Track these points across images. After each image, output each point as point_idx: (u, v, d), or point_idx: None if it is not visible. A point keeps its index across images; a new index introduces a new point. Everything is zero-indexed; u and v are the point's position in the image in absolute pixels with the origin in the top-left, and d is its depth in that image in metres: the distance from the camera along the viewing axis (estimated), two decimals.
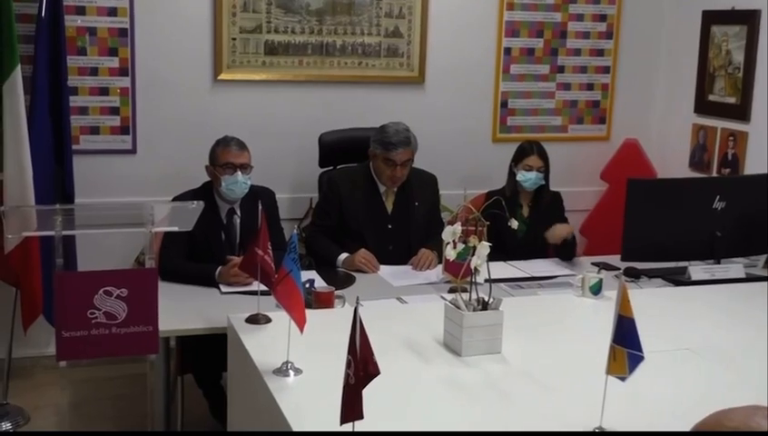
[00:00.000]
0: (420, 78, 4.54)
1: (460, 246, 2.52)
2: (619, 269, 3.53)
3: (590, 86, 4.87)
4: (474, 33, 4.61)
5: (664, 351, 2.44)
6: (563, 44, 4.77)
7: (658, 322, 2.71)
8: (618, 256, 3.56)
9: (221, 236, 3.49)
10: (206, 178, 3.56)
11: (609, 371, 1.88)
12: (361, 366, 1.60)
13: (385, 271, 3.57)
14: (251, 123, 4.24)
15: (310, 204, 4.30)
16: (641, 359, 1.82)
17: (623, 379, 1.86)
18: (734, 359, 2.45)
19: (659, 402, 2.11)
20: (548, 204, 3.97)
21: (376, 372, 1.64)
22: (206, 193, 3.47)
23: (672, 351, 2.47)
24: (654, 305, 2.91)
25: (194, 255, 3.42)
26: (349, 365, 1.63)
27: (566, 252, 3.78)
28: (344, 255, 3.62)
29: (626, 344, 1.83)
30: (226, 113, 4.25)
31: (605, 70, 4.87)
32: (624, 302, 1.82)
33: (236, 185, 3.45)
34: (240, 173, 3.44)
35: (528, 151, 3.91)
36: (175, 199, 3.40)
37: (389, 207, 3.80)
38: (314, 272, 3.46)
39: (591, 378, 2.00)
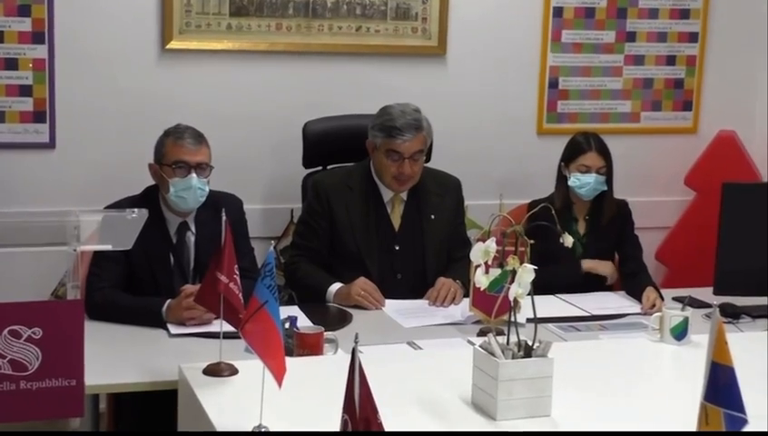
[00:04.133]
0: (441, 49, 4.56)
1: (495, 271, 2.51)
2: (711, 305, 3.51)
3: (671, 60, 4.89)
4: None
5: None
6: (634, 3, 4.79)
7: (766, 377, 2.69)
8: (710, 289, 3.57)
9: (170, 259, 3.51)
10: (150, 181, 3.58)
11: None
12: (362, 425, 1.60)
13: (391, 307, 3.58)
14: (211, 108, 4.26)
15: (290, 218, 4.31)
16: (743, 422, 1.81)
17: None
18: None
19: None
20: (612, 217, 3.97)
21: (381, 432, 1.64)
22: (150, 201, 3.48)
23: None
24: (761, 354, 2.89)
25: (134, 284, 3.43)
26: (345, 426, 1.63)
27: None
28: (336, 286, 3.63)
29: (723, 402, 1.82)
30: (177, 95, 4.27)
31: (692, 38, 4.89)
32: (719, 346, 1.82)
33: (189, 192, 3.46)
34: (195, 175, 3.45)
35: (585, 146, 3.93)
36: (108, 208, 3.40)
37: (397, 221, 3.81)
38: (296, 307, 3.47)
39: None
